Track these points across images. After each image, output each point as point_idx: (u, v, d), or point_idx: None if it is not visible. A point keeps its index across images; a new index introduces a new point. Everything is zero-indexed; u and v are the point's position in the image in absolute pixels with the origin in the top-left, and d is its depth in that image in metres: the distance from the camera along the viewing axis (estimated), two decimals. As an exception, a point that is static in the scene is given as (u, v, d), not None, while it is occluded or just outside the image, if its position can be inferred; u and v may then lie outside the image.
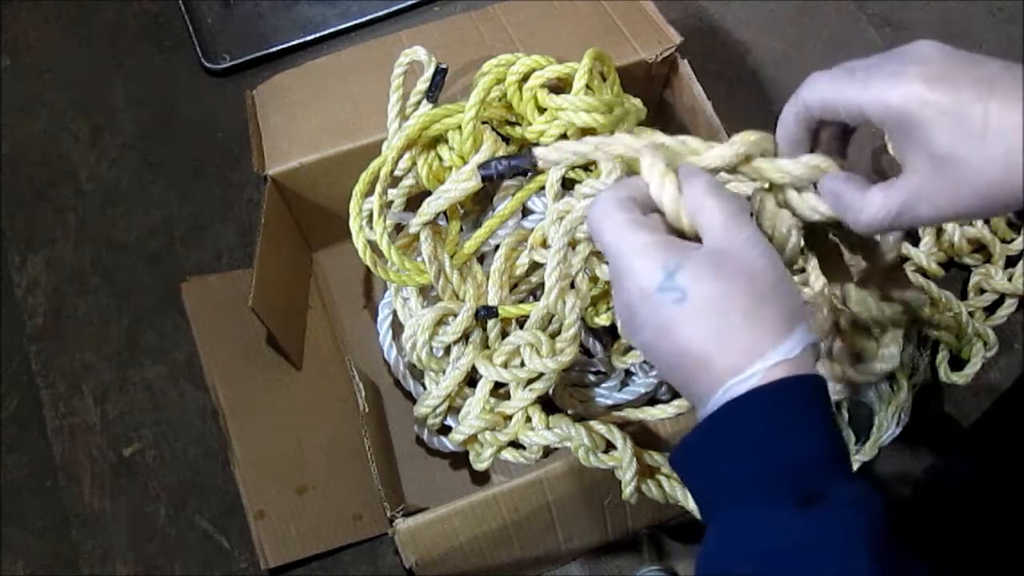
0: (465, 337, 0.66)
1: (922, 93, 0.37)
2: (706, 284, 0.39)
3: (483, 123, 0.67)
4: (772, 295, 0.39)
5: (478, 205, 0.73)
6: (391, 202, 0.70)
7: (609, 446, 0.61)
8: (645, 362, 0.68)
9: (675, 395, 0.67)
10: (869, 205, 0.41)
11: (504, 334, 0.66)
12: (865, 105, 0.39)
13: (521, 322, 0.66)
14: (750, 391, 0.38)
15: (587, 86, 0.66)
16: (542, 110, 0.67)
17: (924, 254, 0.78)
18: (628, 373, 0.70)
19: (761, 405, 0.38)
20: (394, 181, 0.68)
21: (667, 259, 0.39)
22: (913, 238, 0.80)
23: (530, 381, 0.64)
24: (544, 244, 0.66)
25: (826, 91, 0.42)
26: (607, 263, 0.64)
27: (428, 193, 0.67)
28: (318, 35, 0.96)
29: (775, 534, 0.36)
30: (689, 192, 0.42)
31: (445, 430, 0.67)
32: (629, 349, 0.67)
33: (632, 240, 0.40)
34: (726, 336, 0.38)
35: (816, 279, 0.65)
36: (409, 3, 0.97)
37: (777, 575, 0.35)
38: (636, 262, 0.40)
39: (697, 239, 0.42)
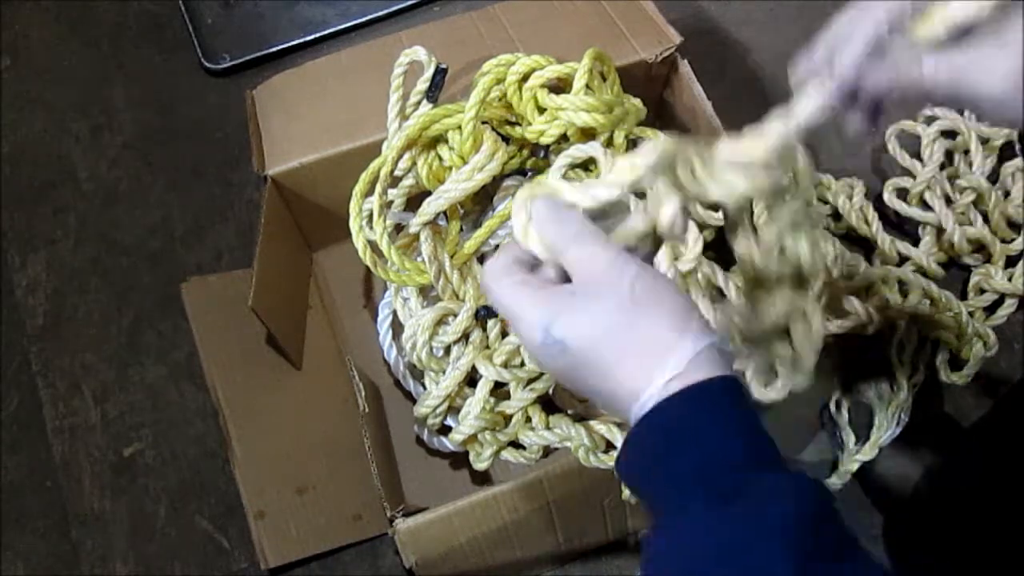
0: (465, 337, 0.66)
1: None
2: (578, 330, 0.39)
3: (483, 123, 0.67)
4: (644, 315, 0.39)
5: (478, 205, 0.73)
6: (391, 202, 0.70)
7: (609, 446, 0.61)
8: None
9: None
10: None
11: (504, 334, 0.66)
12: None
13: (521, 322, 0.66)
14: (651, 410, 0.39)
15: (587, 86, 0.66)
16: (542, 110, 0.67)
17: (924, 254, 0.78)
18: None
19: (662, 422, 0.39)
20: (394, 181, 0.68)
21: (541, 315, 0.40)
22: (913, 238, 0.80)
23: (530, 381, 0.64)
24: (544, 244, 0.65)
25: None
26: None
27: (428, 193, 0.67)
28: (318, 35, 0.96)
29: (693, 536, 0.37)
30: (553, 237, 0.42)
31: (445, 430, 0.67)
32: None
33: (512, 302, 0.41)
34: (612, 372, 0.39)
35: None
36: (409, 3, 0.97)
37: (705, 574, 0.36)
38: (519, 324, 0.41)
39: None
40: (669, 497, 0.39)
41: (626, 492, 0.59)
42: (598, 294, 0.40)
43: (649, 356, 0.39)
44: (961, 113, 0.84)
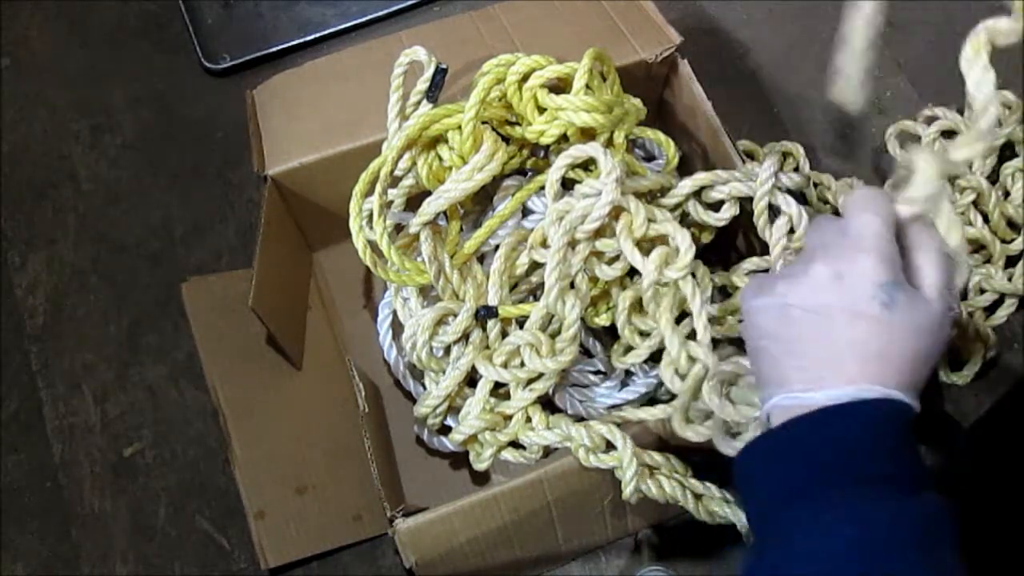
0: (465, 337, 0.66)
1: None
2: (909, 315, 0.42)
3: (483, 123, 0.67)
4: (932, 361, 0.44)
5: (478, 205, 0.73)
6: (391, 202, 0.70)
7: (609, 446, 0.61)
8: (645, 362, 0.68)
9: (675, 396, 0.67)
10: None
11: (504, 334, 0.66)
12: None
13: (521, 322, 0.66)
14: (868, 400, 0.41)
15: (587, 86, 0.66)
16: (542, 110, 0.67)
17: (924, 254, 0.78)
18: (628, 373, 0.70)
19: (876, 413, 0.41)
20: (394, 181, 0.68)
21: (897, 273, 0.43)
22: (913, 238, 0.80)
23: (530, 381, 0.64)
24: (544, 244, 0.66)
25: None
26: (607, 264, 0.64)
27: (428, 193, 0.67)
28: (318, 35, 0.96)
29: (884, 513, 0.39)
30: (924, 234, 0.45)
31: (445, 430, 0.67)
32: (629, 349, 0.67)
33: (885, 234, 0.43)
34: (893, 359, 0.42)
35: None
36: (409, 3, 0.97)
37: (902, 544, 0.38)
38: (879, 251, 0.43)
39: None
40: (840, 477, 0.40)
41: (627, 491, 0.59)
42: (933, 312, 0.43)
43: (912, 382, 0.43)
44: (961, 113, 0.84)
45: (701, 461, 0.61)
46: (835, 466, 0.41)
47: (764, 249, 0.67)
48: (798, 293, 0.44)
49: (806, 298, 0.43)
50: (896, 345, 0.42)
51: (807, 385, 0.42)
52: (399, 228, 0.69)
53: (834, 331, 0.42)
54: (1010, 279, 0.77)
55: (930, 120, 0.84)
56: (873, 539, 0.38)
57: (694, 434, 0.57)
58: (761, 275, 0.48)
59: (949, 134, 0.83)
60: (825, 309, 0.43)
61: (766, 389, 0.45)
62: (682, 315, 0.63)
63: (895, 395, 0.41)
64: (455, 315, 0.65)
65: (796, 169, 0.82)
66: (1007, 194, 0.81)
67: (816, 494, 0.41)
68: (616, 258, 0.64)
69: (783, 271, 0.47)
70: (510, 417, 0.64)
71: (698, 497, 0.61)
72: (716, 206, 0.68)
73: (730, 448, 0.55)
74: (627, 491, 0.59)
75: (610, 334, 0.71)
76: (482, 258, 0.70)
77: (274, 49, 0.95)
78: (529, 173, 0.73)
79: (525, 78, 0.67)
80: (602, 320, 0.67)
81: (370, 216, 0.65)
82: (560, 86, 0.68)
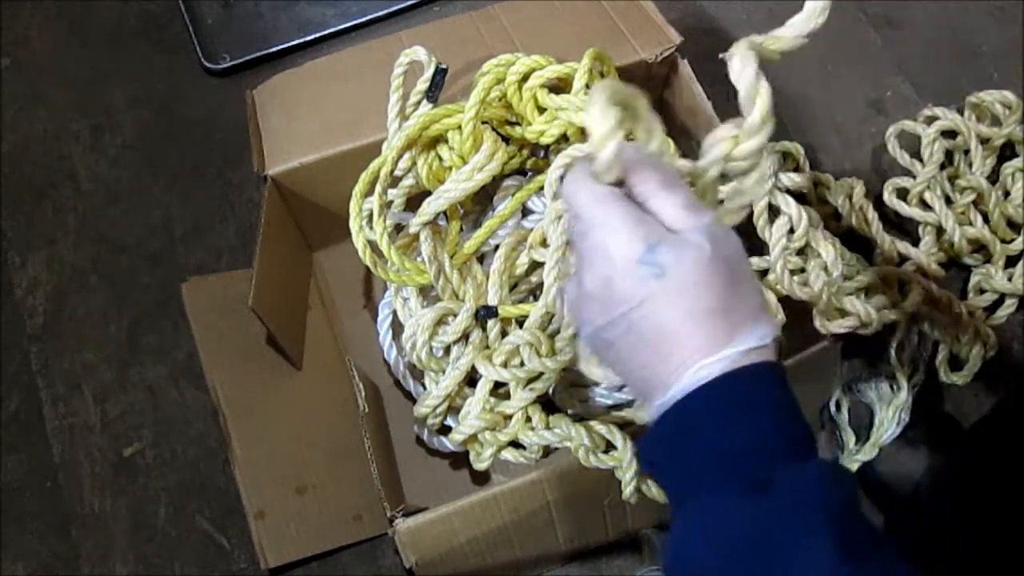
0: (465, 337, 0.66)
1: None
2: (685, 263, 0.38)
3: (483, 123, 0.67)
4: (744, 281, 0.40)
5: (478, 205, 0.73)
6: (391, 202, 0.70)
7: (609, 446, 0.61)
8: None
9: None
10: None
11: (504, 334, 0.66)
12: None
13: (521, 322, 0.66)
14: (720, 376, 0.38)
15: (587, 86, 0.66)
16: (542, 110, 0.67)
17: (924, 254, 0.78)
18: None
19: (728, 391, 0.38)
20: (394, 181, 0.68)
21: (647, 233, 0.39)
22: (913, 238, 0.80)
23: (530, 381, 0.64)
24: (544, 243, 0.66)
25: None
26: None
27: (428, 193, 0.67)
28: (318, 35, 0.96)
29: (734, 522, 0.36)
30: (639, 179, 0.41)
31: (445, 430, 0.67)
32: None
33: (612, 210, 0.40)
34: (701, 317, 0.38)
35: (816, 279, 0.65)
36: (409, 3, 0.97)
37: (737, 562, 0.36)
38: (618, 233, 0.39)
39: None
40: (702, 478, 0.38)
41: (627, 491, 0.59)
42: (702, 244, 0.39)
43: (741, 317, 0.39)
44: (961, 113, 0.84)
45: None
46: (694, 468, 0.39)
47: (764, 249, 0.67)
48: (593, 317, 0.41)
49: (600, 318, 0.40)
50: (697, 299, 0.38)
51: (659, 390, 0.40)
52: (399, 228, 0.69)
53: (639, 333, 0.39)
54: (1010, 279, 0.77)
55: (930, 120, 0.84)
56: (721, 555, 0.36)
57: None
58: (571, 303, 0.44)
59: (949, 134, 0.83)
60: (618, 320, 0.40)
61: (645, 403, 0.42)
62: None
63: (726, 353, 0.38)
64: (455, 315, 0.65)
65: (796, 169, 0.82)
66: (1007, 194, 0.81)
67: (685, 500, 0.39)
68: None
69: (574, 297, 0.43)
70: (510, 417, 0.64)
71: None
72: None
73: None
74: (627, 491, 0.59)
75: (610, 334, 0.71)
76: (482, 258, 0.70)
77: (274, 49, 0.95)
78: (529, 173, 0.73)
79: (525, 78, 0.67)
80: (602, 320, 0.67)
81: (370, 216, 0.65)
82: (560, 86, 0.68)
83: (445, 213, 0.68)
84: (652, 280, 0.38)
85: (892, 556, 0.36)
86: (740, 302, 0.39)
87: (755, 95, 0.39)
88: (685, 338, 0.38)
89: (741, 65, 0.39)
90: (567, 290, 0.44)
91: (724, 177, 0.44)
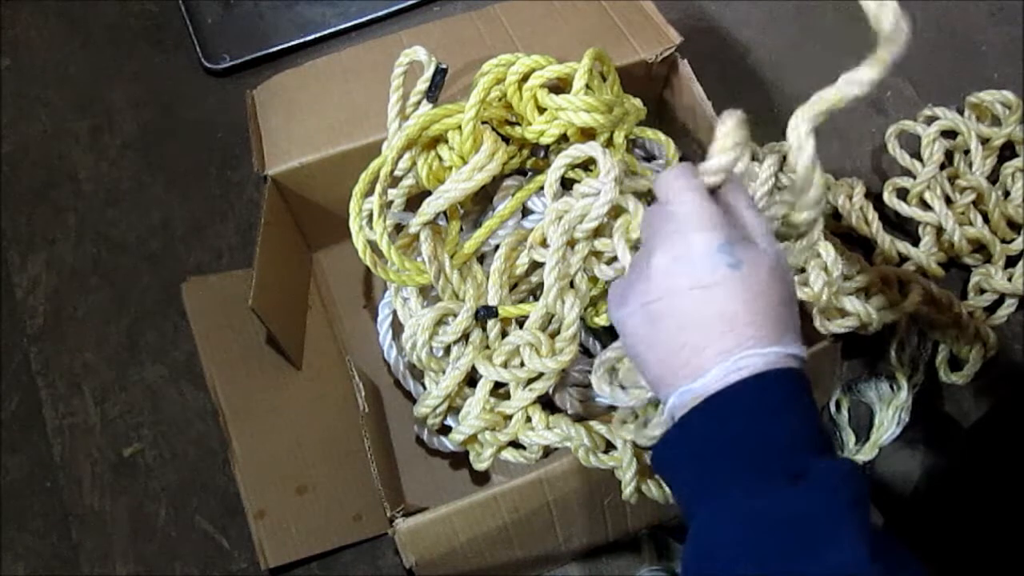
0: (465, 337, 0.66)
1: None
2: (760, 264, 0.42)
3: (483, 123, 0.67)
4: (793, 307, 0.44)
5: (478, 205, 0.73)
6: (391, 202, 0.70)
7: (609, 446, 0.61)
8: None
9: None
10: None
11: (504, 334, 0.66)
12: None
13: (521, 322, 0.66)
14: (762, 372, 0.40)
15: (587, 86, 0.66)
16: (542, 110, 0.67)
17: (924, 254, 0.78)
18: (628, 373, 0.70)
19: (768, 385, 0.41)
20: (394, 181, 0.68)
21: (730, 231, 0.43)
22: (913, 238, 0.80)
23: (530, 381, 0.64)
24: (544, 243, 0.66)
25: None
26: (606, 264, 0.64)
27: (428, 193, 0.67)
28: (318, 35, 0.96)
29: (769, 507, 0.38)
30: (735, 194, 0.46)
31: (445, 430, 0.67)
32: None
33: (705, 203, 0.44)
34: (761, 311, 0.42)
35: (816, 279, 0.65)
36: (409, 3, 0.97)
37: (771, 546, 0.37)
38: (697, 226, 0.43)
39: None
40: (737, 468, 0.40)
41: (627, 492, 0.59)
42: (773, 258, 0.43)
43: (787, 327, 0.42)
44: (961, 113, 0.84)
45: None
46: (727, 459, 0.40)
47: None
48: (650, 291, 0.43)
49: (659, 293, 0.43)
50: (760, 298, 0.42)
51: (693, 374, 0.42)
52: (399, 228, 0.69)
53: (696, 312, 0.42)
54: (1010, 279, 0.77)
55: (930, 120, 0.84)
56: (756, 538, 0.38)
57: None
58: (620, 282, 0.47)
59: (949, 134, 0.84)
60: (679, 296, 0.42)
61: (661, 392, 0.44)
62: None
63: (775, 350, 0.41)
64: (455, 315, 0.65)
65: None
66: (1007, 194, 0.81)
67: (714, 492, 0.41)
68: (615, 258, 0.64)
69: (632, 273, 0.46)
70: (510, 417, 0.64)
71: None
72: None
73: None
74: (627, 491, 0.59)
75: (610, 334, 0.71)
76: (482, 258, 0.70)
77: (274, 49, 0.95)
78: (529, 173, 0.73)
79: (525, 78, 0.67)
80: (602, 320, 0.67)
81: (370, 216, 0.65)
82: (560, 86, 0.68)
83: (445, 213, 0.68)
84: (726, 268, 0.42)
85: (907, 548, 0.38)
86: (789, 317, 0.43)
87: (812, 175, 0.44)
88: (742, 325, 0.41)
89: (798, 144, 0.43)
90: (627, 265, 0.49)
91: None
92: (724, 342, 0.41)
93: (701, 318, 0.42)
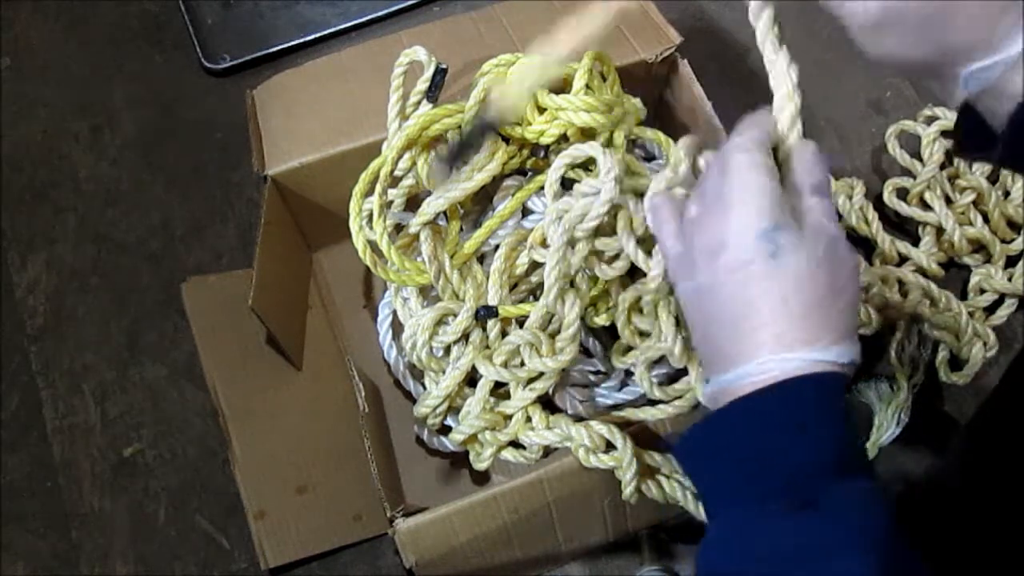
0: (465, 337, 0.66)
1: None
2: (800, 253, 0.39)
3: (483, 123, 0.67)
4: (845, 299, 0.40)
5: (478, 205, 0.73)
6: (391, 202, 0.70)
7: (609, 446, 0.61)
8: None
9: (676, 396, 0.67)
10: None
11: (504, 334, 0.66)
12: None
13: (521, 322, 0.66)
14: (791, 379, 0.38)
15: (587, 86, 0.66)
16: (542, 110, 0.67)
17: (924, 254, 0.78)
18: (628, 373, 0.70)
19: (795, 397, 0.38)
20: (394, 181, 0.68)
21: (778, 215, 0.40)
22: (913, 238, 0.80)
23: (530, 381, 0.64)
24: (544, 243, 0.66)
25: None
26: (607, 263, 0.64)
27: (428, 193, 0.67)
28: (318, 35, 0.96)
29: (777, 537, 0.37)
30: (806, 169, 0.43)
31: (445, 430, 0.67)
32: (629, 349, 0.67)
33: (759, 180, 0.41)
34: (791, 308, 0.39)
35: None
36: (409, 3, 0.97)
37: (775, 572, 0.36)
38: (754, 202, 0.40)
39: None
40: (753, 484, 0.39)
41: (627, 492, 0.59)
42: (819, 245, 0.40)
43: (830, 329, 0.39)
44: (961, 113, 0.84)
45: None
46: (736, 476, 0.39)
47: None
48: (696, 272, 0.42)
49: (702, 276, 0.41)
50: (797, 293, 0.39)
51: (725, 366, 0.40)
52: (399, 228, 0.69)
53: (735, 301, 0.40)
54: (1010, 279, 0.77)
55: (930, 120, 0.84)
56: (755, 566, 0.36)
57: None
58: (680, 252, 0.44)
59: (949, 134, 0.83)
60: (720, 283, 0.40)
61: (705, 370, 0.43)
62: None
63: (801, 356, 0.38)
64: (455, 315, 0.65)
65: (796, 169, 0.82)
66: (1007, 194, 0.81)
67: (726, 503, 0.39)
68: (616, 257, 0.64)
69: (688, 244, 0.44)
70: (510, 417, 0.64)
71: (698, 497, 0.61)
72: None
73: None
74: (627, 491, 0.59)
75: (610, 334, 0.71)
76: (482, 258, 0.70)
77: (274, 49, 0.95)
78: (529, 173, 0.73)
79: (525, 78, 0.67)
80: (602, 320, 0.67)
81: (370, 216, 0.66)
82: (560, 86, 0.68)
83: (445, 213, 0.68)
84: (764, 256, 0.39)
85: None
86: (833, 315, 0.39)
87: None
88: (769, 323, 0.39)
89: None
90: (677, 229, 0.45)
91: None
92: (750, 340, 0.39)
93: (731, 309, 0.40)
